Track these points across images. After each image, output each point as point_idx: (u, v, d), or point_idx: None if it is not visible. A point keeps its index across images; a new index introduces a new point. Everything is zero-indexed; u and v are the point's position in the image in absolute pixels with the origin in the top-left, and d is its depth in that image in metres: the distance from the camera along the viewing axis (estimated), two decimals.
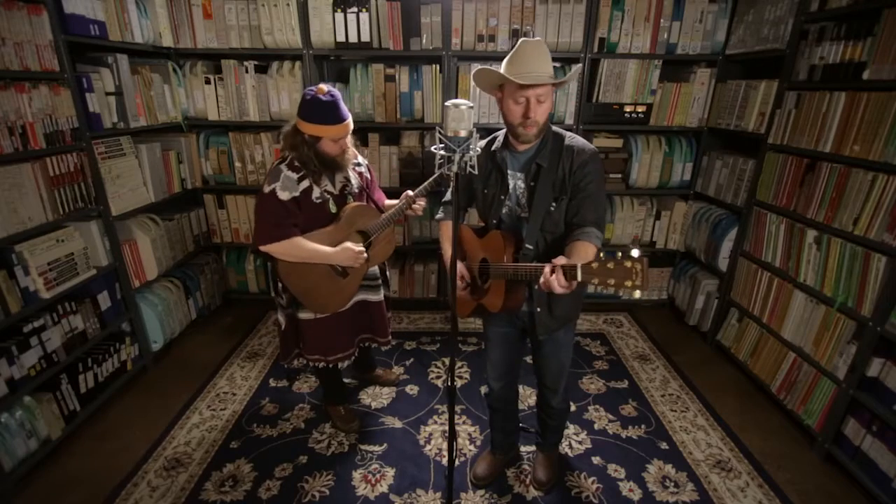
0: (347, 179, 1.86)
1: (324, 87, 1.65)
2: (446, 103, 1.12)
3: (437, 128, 1.16)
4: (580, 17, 2.65)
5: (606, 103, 2.82)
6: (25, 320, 1.90)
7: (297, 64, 2.79)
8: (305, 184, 1.73)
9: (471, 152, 1.14)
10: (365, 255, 1.83)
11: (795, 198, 2.21)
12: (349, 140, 1.79)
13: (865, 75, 1.85)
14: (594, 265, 1.13)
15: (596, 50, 2.72)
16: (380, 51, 2.75)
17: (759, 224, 2.46)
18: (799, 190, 2.18)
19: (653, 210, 3.14)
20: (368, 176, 1.99)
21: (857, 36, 1.89)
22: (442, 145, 1.15)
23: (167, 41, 2.69)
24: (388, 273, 2.17)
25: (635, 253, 1.10)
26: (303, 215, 1.75)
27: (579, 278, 1.15)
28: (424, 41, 2.71)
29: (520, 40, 1.35)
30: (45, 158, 1.95)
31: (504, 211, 1.52)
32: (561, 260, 1.21)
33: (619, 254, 1.11)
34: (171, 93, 2.74)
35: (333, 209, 1.82)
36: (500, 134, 1.54)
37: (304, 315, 1.89)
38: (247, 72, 2.79)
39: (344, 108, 1.68)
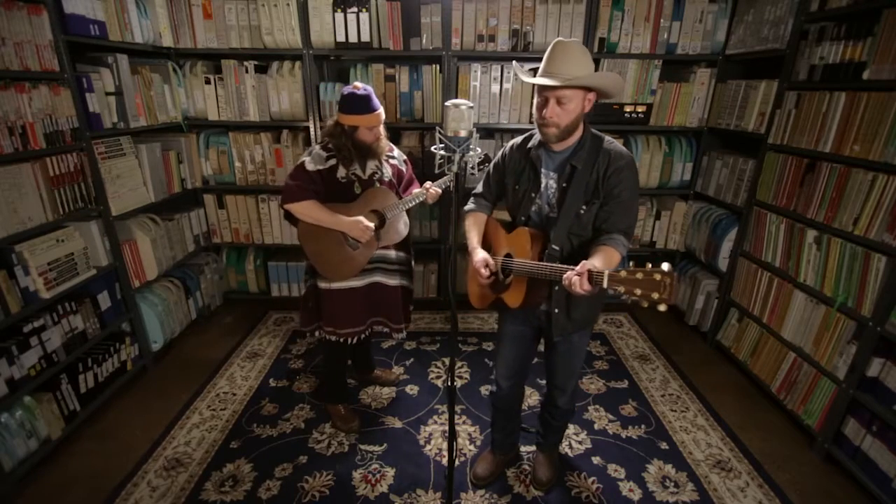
0: (379, 168, 1.98)
1: (359, 84, 1.88)
2: (446, 103, 1.12)
3: (437, 128, 1.16)
4: (580, 17, 2.65)
5: (606, 103, 2.81)
6: (25, 320, 1.90)
7: (297, 64, 2.79)
8: (332, 162, 1.90)
9: (471, 152, 1.14)
10: (372, 229, 1.92)
11: (795, 198, 2.21)
12: (382, 129, 1.95)
13: (865, 75, 1.85)
14: (622, 273, 1.13)
15: (596, 50, 2.72)
16: (380, 51, 2.75)
17: (759, 224, 2.46)
18: (799, 190, 2.18)
19: (653, 210, 3.14)
20: (403, 169, 2.11)
21: (857, 36, 1.89)
22: (442, 145, 1.15)
23: (167, 41, 2.69)
24: (412, 264, 2.20)
25: (665, 266, 1.09)
26: (325, 188, 1.90)
27: (605, 285, 1.16)
28: (424, 41, 2.71)
29: (555, 40, 1.35)
30: (45, 158, 1.95)
31: (533, 209, 1.52)
32: (589, 264, 1.21)
33: (650, 265, 1.11)
34: (171, 93, 2.74)
35: (358, 191, 1.94)
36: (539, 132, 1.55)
37: (322, 284, 1.98)
38: (247, 72, 2.79)
39: (376, 100, 1.88)
